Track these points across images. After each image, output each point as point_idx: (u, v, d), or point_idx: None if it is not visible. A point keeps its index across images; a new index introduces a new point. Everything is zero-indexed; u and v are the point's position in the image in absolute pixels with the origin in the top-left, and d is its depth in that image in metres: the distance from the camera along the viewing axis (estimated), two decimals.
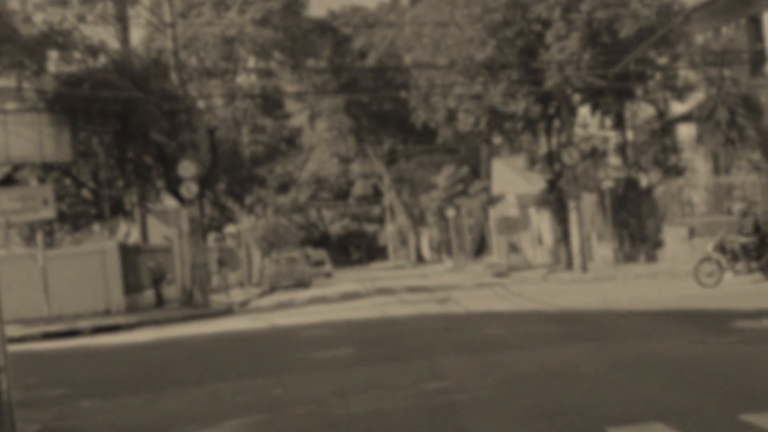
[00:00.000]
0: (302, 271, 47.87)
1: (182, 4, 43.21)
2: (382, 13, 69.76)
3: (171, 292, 33.70)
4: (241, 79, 46.63)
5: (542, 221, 46.07)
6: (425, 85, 37.82)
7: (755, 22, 32.04)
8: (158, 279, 32.59)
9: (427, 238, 77.37)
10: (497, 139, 45.37)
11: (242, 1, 44.39)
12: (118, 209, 33.40)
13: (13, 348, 14.66)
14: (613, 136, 36.10)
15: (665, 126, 34.64)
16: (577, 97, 33.83)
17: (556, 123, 34.80)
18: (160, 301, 32.29)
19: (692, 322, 14.76)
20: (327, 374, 12.70)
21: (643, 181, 34.83)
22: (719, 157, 32.44)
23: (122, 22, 34.66)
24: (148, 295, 32.85)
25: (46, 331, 24.85)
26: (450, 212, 56.83)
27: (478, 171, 65.65)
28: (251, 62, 46.61)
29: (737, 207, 22.37)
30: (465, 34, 33.89)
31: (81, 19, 32.51)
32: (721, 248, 21.36)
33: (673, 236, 31.70)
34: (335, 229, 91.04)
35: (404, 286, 35.22)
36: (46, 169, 30.83)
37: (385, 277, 49.74)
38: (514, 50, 32.65)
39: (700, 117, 31.65)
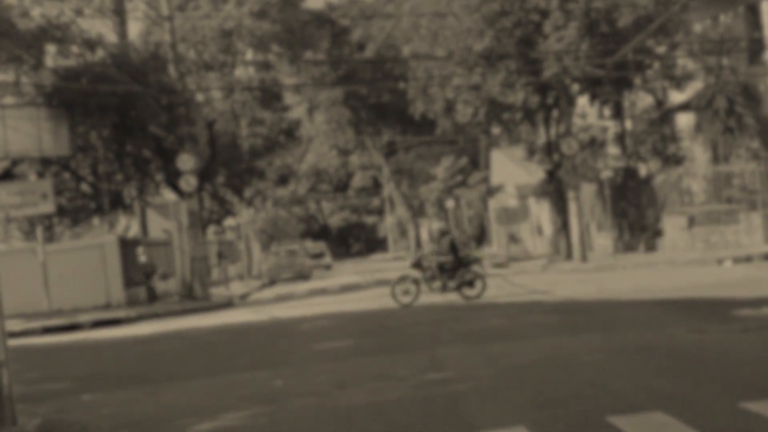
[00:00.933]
0: (302, 263, 47.84)
1: None
2: (380, 4, 69.53)
3: (171, 285, 33.70)
4: (240, 72, 46.52)
5: (542, 211, 46.05)
6: (423, 76, 37.80)
7: (753, 11, 32.02)
8: (149, 274, 32.48)
9: (426, 229, 77.35)
10: (496, 130, 45.34)
11: None
12: (118, 203, 33.38)
13: (13, 342, 14.68)
14: (612, 126, 36.08)
15: (664, 115, 34.61)
16: (575, 87, 33.79)
17: (555, 113, 34.77)
18: (152, 297, 32.17)
19: (691, 311, 14.79)
20: (327, 366, 12.71)
21: (642, 170, 34.82)
22: (718, 146, 32.43)
23: (120, 16, 34.59)
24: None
25: (46, 326, 24.86)
26: (449, 203, 56.80)
27: (477, 162, 65.63)
28: (249, 55, 46.51)
29: (435, 227, 22.68)
30: (463, 24, 33.86)
31: (78, 12, 32.39)
32: (419, 266, 21.65)
33: (672, 225, 31.72)
34: (335, 221, 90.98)
35: None
36: (45, 163, 30.82)
37: (385, 268, 49.70)
38: (512, 40, 32.61)
39: (699, 106, 31.62)
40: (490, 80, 33.46)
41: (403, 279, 21.50)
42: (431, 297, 21.45)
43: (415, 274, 21.62)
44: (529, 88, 33.25)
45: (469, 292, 21.33)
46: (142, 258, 32.29)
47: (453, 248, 21.64)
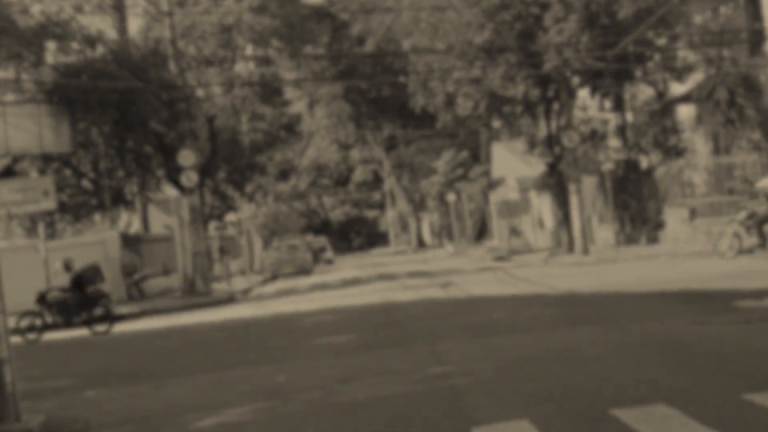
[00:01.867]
0: (304, 258, 47.83)
1: None
2: None
3: (173, 281, 33.72)
4: (240, 67, 46.51)
5: (543, 204, 46.03)
6: (424, 69, 37.75)
7: (754, 2, 31.97)
8: (130, 273, 32.38)
9: (427, 223, 77.36)
10: (496, 123, 45.31)
11: None
12: (119, 199, 33.41)
13: (16, 339, 14.70)
14: (613, 118, 36.05)
15: (665, 107, 34.58)
16: (576, 80, 33.76)
17: (556, 106, 34.75)
18: (130, 295, 32.02)
19: (694, 303, 14.78)
20: (330, 361, 12.72)
21: (644, 162, 34.80)
22: (719, 138, 32.40)
23: (120, 12, 34.60)
24: (152, 284, 32.84)
25: (48, 322, 24.82)
26: (450, 197, 56.79)
27: (477, 155, 65.58)
28: (249, 50, 46.50)
29: (57, 265, 22.82)
30: (463, 17, 33.82)
31: (78, 9, 32.40)
32: (43, 302, 21.59)
33: (674, 217, 31.70)
34: (336, 215, 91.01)
35: (406, 272, 35.23)
36: (46, 160, 30.84)
37: (386, 262, 49.74)
38: (512, 33, 32.56)
39: (700, 97, 31.59)
40: (490, 73, 33.42)
41: (26, 314, 21.45)
42: (70, 333, 21.54)
43: (41, 309, 21.49)
44: (529, 81, 33.22)
45: (98, 328, 21.44)
46: (125, 257, 32.23)
47: (79, 284, 21.58)
